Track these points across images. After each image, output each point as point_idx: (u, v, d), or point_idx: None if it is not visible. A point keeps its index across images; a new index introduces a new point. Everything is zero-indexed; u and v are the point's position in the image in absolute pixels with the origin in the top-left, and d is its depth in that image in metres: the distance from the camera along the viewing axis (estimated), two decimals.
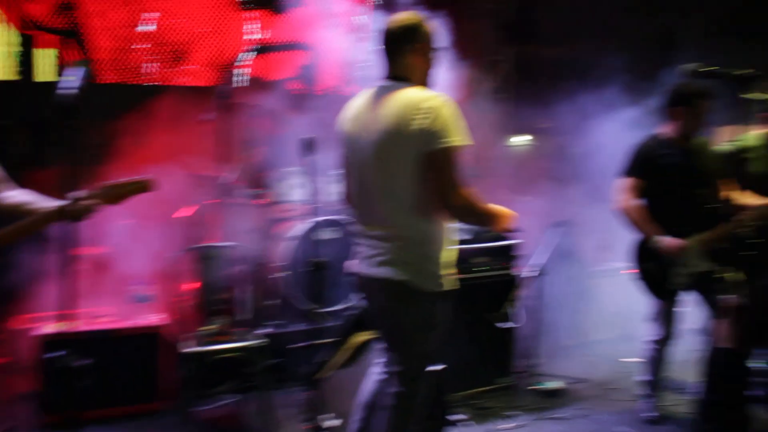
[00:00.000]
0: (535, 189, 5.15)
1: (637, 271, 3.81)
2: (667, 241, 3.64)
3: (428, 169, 2.41)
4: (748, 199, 3.74)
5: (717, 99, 3.62)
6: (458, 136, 2.39)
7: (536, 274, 4.34)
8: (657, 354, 3.92)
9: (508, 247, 4.35)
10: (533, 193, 5.12)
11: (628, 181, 3.74)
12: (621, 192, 3.74)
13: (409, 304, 2.51)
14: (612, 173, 3.86)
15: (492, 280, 4.25)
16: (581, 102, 5.22)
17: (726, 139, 3.99)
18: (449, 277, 2.62)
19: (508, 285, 4.31)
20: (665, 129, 3.78)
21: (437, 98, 2.41)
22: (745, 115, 3.51)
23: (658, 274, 3.76)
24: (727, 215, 3.62)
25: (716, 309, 3.66)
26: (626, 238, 3.94)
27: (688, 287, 3.76)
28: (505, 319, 4.22)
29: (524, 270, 4.34)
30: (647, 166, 3.69)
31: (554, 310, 4.94)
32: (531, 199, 5.01)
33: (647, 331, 3.93)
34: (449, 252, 2.59)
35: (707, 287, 3.66)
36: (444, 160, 2.36)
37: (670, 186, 3.69)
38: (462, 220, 2.47)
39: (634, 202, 3.70)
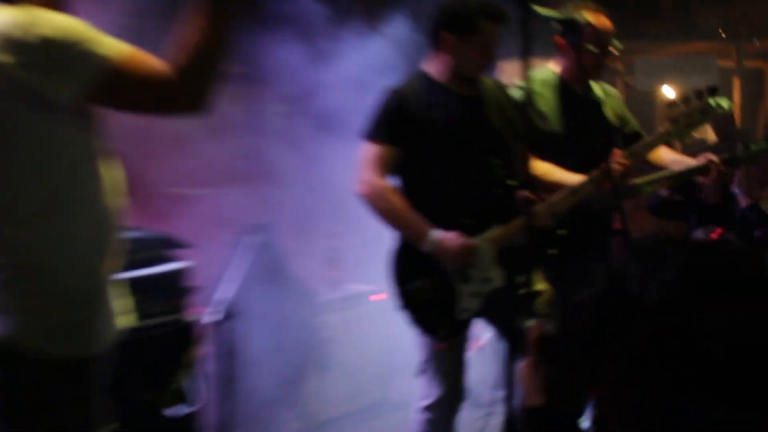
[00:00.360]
0: (215, 177, 5.15)
1: (400, 295, 3.67)
2: (448, 241, 3.50)
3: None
4: (550, 172, 3.80)
5: (507, 20, 3.57)
6: (106, 46, 2.15)
7: (223, 316, 4.05)
8: (435, 428, 3.74)
9: (173, 276, 4.14)
10: (214, 183, 5.12)
11: (374, 150, 3.59)
12: (364, 167, 3.60)
13: (12, 379, 2.25)
14: (346, 144, 3.90)
15: (150, 335, 3.97)
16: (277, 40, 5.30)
17: (513, 80, 4.01)
18: (102, 326, 2.38)
19: (178, 340, 4.07)
20: (432, 67, 3.65)
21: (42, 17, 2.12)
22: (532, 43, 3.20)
23: (434, 298, 3.58)
24: (525, 200, 3.48)
25: (522, 345, 3.10)
26: (378, 243, 3.88)
27: (481, 313, 3.69)
28: (177, 400, 4.00)
29: (204, 312, 4.15)
30: (404, 126, 3.56)
31: (259, 375, 4.79)
32: (209, 192, 5.04)
33: (419, 393, 3.76)
34: (99, 277, 2.35)
35: (507, 311, 3.52)
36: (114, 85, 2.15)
37: (444, 155, 3.57)
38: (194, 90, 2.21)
39: (386, 183, 3.58)
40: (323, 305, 5.31)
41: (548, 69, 4.02)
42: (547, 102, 3.96)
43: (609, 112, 4.12)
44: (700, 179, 3.96)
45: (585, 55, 3.91)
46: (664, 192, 5.79)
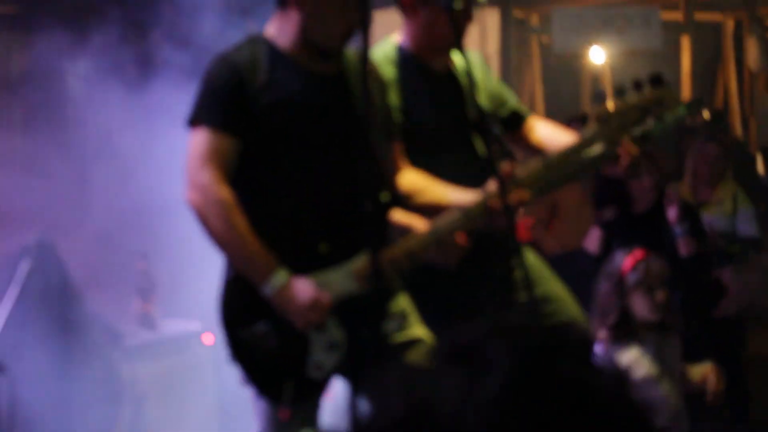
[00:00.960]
0: None
1: (231, 342, 3.61)
2: (296, 291, 3.44)
3: None
4: (424, 187, 3.76)
5: None
6: None
7: None
8: None
9: None
10: None
11: (206, 140, 3.49)
12: (196, 165, 3.48)
13: None
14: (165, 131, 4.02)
15: None
16: None
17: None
18: None
19: None
20: (274, 32, 3.61)
21: None
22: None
23: (278, 348, 3.55)
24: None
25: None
26: (208, 263, 3.84)
27: (340, 370, 3.63)
28: None
29: None
30: (242, 109, 3.51)
31: None
32: None
33: None
34: None
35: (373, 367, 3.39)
36: None
37: (293, 155, 3.55)
38: None
39: (225, 190, 3.46)
40: (133, 351, 5.31)
41: (388, 42, 3.93)
42: (391, 87, 3.83)
43: (480, 92, 3.96)
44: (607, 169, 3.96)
45: (440, 13, 3.75)
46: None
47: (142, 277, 5.43)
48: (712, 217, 6.54)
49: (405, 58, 3.89)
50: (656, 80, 3.63)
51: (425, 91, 3.92)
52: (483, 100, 3.93)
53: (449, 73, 3.98)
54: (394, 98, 3.82)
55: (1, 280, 4.76)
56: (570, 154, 3.69)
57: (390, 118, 3.75)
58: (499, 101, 4.09)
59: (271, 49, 3.55)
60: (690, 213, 6.09)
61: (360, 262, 3.49)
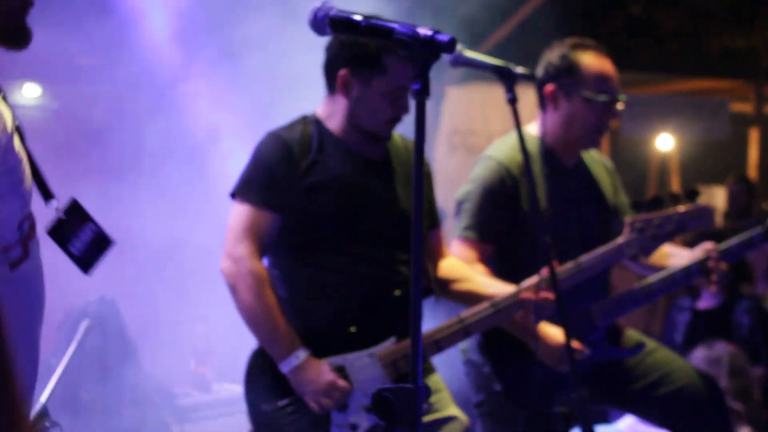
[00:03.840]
0: None
1: (254, 415, 3.60)
2: (314, 374, 3.45)
3: None
4: (469, 277, 3.74)
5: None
6: None
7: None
8: None
9: None
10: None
11: (246, 214, 3.58)
12: (232, 237, 3.57)
13: None
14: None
15: None
16: None
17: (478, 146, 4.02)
18: None
19: None
20: (325, 114, 3.67)
21: None
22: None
23: (298, 426, 3.52)
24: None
25: None
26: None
27: None
28: None
29: None
30: (287, 187, 3.59)
31: None
32: None
33: None
34: None
35: None
36: None
37: (331, 236, 3.58)
38: None
39: (258, 266, 3.54)
40: (185, 411, 5.24)
41: (527, 133, 3.88)
42: (539, 181, 3.87)
43: (608, 191, 4.09)
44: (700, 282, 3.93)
45: (585, 112, 3.88)
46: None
47: (200, 339, 5.36)
48: None
49: (542, 152, 3.93)
50: (692, 194, 3.72)
51: (557, 187, 3.94)
52: (610, 199, 4.06)
53: (583, 170, 4.06)
54: (524, 190, 3.84)
55: (64, 336, 4.71)
56: (607, 255, 3.73)
57: (434, 204, 3.72)
58: (619, 205, 4.15)
59: (321, 129, 3.58)
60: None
61: (386, 347, 3.48)
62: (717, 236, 4.57)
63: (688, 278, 3.89)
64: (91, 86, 6.03)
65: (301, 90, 4.48)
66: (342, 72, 3.50)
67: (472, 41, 7.96)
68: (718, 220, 10.83)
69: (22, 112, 7.00)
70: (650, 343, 4.07)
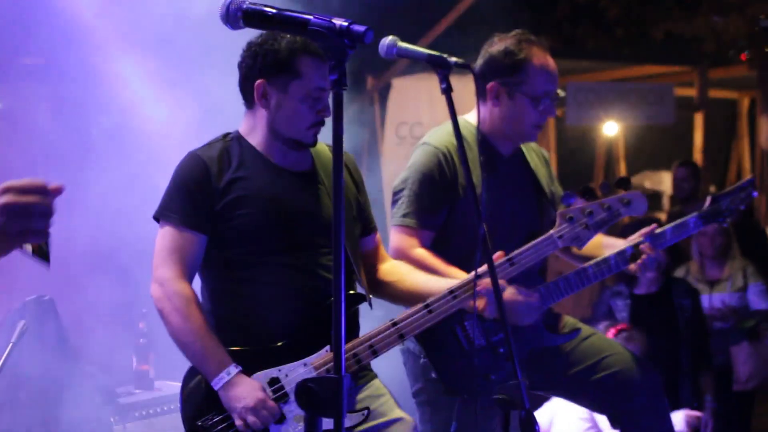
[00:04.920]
0: None
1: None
2: (244, 391, 3.41)
3: None
4: (409, 274, 3.73)
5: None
6: None
7: None
8: None
9: None
10: None
11: (171, 237, 3.55)
12: (158, 260, 3.57)
13: None
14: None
15: None
16: None
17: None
18: None
19: None
20: (245, 128, 3.65)
21: None
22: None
23: None
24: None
25: None
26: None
27: None
28: None
29: None
30: (208, 206, 3.57)
31: None
32: None
33: None
34: None
35: None
36: None
37: (256, 249, 3.55)
38: None
39: (184, 287, 3.52)
40: (127, 409, 5.17)
41: (465, 121, 3.93)
42: (474, 166, 3.78)
43: (543, 180, 4.10)
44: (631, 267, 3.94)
45: (527, 110, 3.89)
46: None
47: (141, 337, 5.32)
48: (724, 294, 6.52)
49: (478, 140, 3.90)
50: (622, 182, 3.72)
51: (493, 175, 3.91)
52: (545, 188, 4.06)
53: (519, 159, 4.05)
54: (462, 175, 3.83)
55: (2, 337, 4.66)
56: (541, 248, 3.71)
57: (368, 210, 3.68)
58: (553, 196, 4.16)
59: (243, 145, 3.55)
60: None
61: (320, 355, 3.44)
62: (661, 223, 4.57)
63: (622, 263, 3.88)
64: (34, 85, 5.97)
65: None
66: (258, 83, 3.45)
67: (419, 30, 7.94)
68: (665, 204, 10.91)
69: None
70: (586, 329, 4.07)
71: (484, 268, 3.31)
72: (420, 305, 3.50)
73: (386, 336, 3.48)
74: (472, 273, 3.44)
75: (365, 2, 5.04)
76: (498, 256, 3.55)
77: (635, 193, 3.71)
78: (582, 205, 3.67)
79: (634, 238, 3.91)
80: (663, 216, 9.10)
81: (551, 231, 3.67)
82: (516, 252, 3.64)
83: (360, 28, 2.15)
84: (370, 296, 3.58)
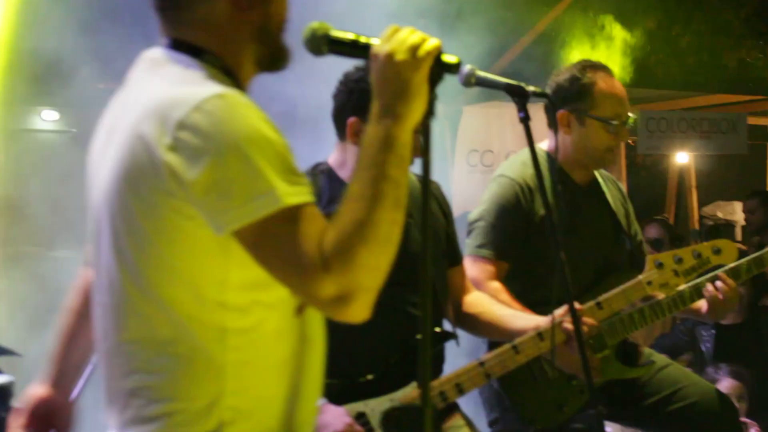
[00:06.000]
0: None
1: None
2: (330, 418, 3.31)
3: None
4: (492, 310, 3.68)
5: None
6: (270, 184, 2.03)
7: None
8: None
9: None
10: None
11: None
12: None
13: None
14: None
15: None
16: None
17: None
18: None
19: None
20: (335, 161, 3.58)
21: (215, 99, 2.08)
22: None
23: None
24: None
25: None
26: None
27: None
28: None
29: None
30: None
31: None
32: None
33: None
34: None
35: None
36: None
37: None
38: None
39: None
40: None
41: (539, 150, 3.82)
42: (537, 193, 3.83)
43: (620, 212, 4.07)
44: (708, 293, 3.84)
45: (598, 135, 3.88)
46: None
47: None
48: None
49: (553, 169, 3.91)
50: (713, 231, 3.64)
51: (568, 205, 3.90)
52: (621, 219, 4.03)
53: (594, 189, 4.04)
54: (538, 206, 3.84)
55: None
56: (629, 293, 3.69)
57: (455, 241, 3.63)
58: (628, 226, 4.12)
59: (333, 179, 3.46)
60: None
61: (406, 391, 3.40)
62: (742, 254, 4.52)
63: (697, 296, 3.84)
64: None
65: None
66: (351, 120, 3.39)
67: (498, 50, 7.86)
68: (738, 235, 10.77)
69: (42, 137, 7.05)
70: (661, 359, 4.03)
71: (565, 308, 3.28)
72: (507, 345, 3.48)
73: (473, 375, 3.45)
74: (557, 312, 3.38)
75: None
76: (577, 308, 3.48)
77: (726, 241, 3.70)
78: (672, 252, 3.66)
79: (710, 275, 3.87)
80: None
81: (639, 276, 3.67)
82: (604, 296, 3.64)
83: (450, 58, 2.14)
84: (457, 333, 3.56)
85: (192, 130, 2.03)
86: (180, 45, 2.24)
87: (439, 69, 2.13)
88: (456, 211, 4.18)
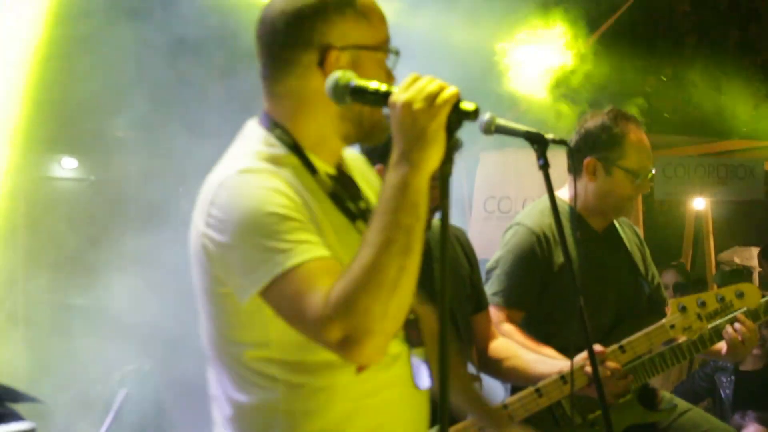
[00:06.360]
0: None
1: None
2: None
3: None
4: (517, 355, 3.73)
5: None
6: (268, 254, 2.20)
7: None
8: None
9: None
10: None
11: None
12: None
13: None
14: None
15: None
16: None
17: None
18: None
19: None
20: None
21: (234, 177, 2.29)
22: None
23: None
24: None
25: None
26: None
27: None
28: None
29: None
30: None
31: None
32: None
33: None
34: None
35: None
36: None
37: None
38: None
39: None
40: None
41: (558, 198, 3.78)
42: (558, 244, 3.83)
43: (638, 257, 4.07)
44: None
45: (623, 185, 3.89)
46: None
47: None
48: None
49: (572, 217, 3.94)
50: (736, 274, 3.63)
51: (587, 252, 3.89)
52: (639, 265, 4.02)
53: (613, 236, 4.05)
54: (557, 255, 3.84)
55: (102, 406, 4.71)
56: (653, 337, 3.69)
57: (480, 286, 3.67)
58: (646, 272, 4.12)
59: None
60: None
61: None
62: None
63: (717, 338, 3.83)
64: (126, 157, 6.10)
65: None
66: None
67: None
68: (756, 281, 10.73)
69: (61, 184, 7.11)
70: (682, 404, 4.01)
71: (584, 354, 3.28)
72: (531, 389, 3.49)
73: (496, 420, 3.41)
74: (578, 357, 3.39)
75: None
76: (598, 351, 3.50)
77: (749, 285, 3.70)
78: (695, 295, 3.66)
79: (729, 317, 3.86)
80: None
81: (663, 320, 3.67)
82: (627, 339, 3.64)
83: (469, 105, 2.15)
84: (480, 376, 3.55)
85: (217, 206, 2.24)
86: (265, 117, 2.40)
87: (458, 116, 2.14)
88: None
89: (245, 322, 2.28)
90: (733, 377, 6.02)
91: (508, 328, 3.80)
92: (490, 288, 3.89)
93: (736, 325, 3.76)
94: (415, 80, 2.13)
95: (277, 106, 2.41)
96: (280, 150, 2.35)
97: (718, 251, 10.80)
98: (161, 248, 5.26)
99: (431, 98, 2.09)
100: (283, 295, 2.16)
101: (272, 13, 2.37)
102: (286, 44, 2.35)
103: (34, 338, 5.81)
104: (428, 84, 2.13)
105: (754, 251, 10.67)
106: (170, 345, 5.22)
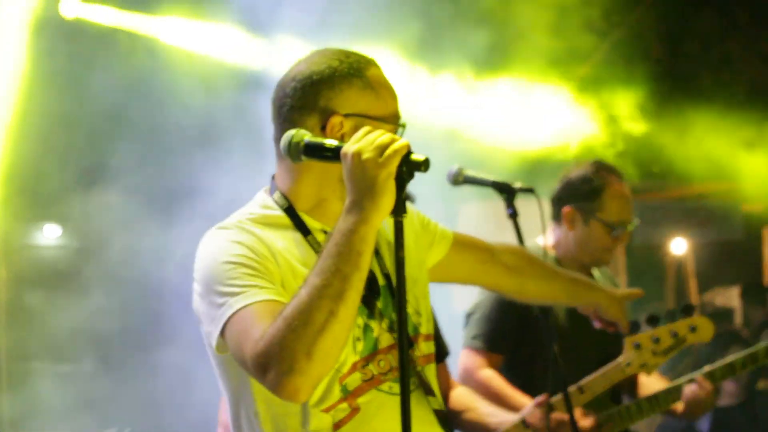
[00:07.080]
0: None
1: None
2: None
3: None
4: (474, 403, 3.75)
5: None
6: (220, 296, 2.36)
7: None
8: None
9: None
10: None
11: None
12: None
13: None
14: None
15: None
16: None
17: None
18: None
19: None
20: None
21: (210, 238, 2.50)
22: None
23: None
24: None
25: None
26: None
27: None
28: None
29: None
30: None
31: None
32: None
33: None
34: None
35: None
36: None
37: None
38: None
39: None
40: None
41: (535, 245, 3.94)
42: None
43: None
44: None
45: (601, 236, 3.94)
46: None
47: None
48: None
49: (555, 264, 3.89)
50: (687, 309, 3.70)
51: None
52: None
53: None
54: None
55: None
56: (610, 376, 3.71)
57: (441, 339, 3.66)
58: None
59: None
60: None
61: None
62: (736, 337, 4.51)
63: (677, 395, 3.89)
64: (109, 223, 6.11)
65: None
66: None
67: None
68: (737, 321, 10.78)
69: (44, 252, 7.11)
70: None
71: (545, 396, 3.40)
72: None
73: None
74: (538, 399, 3.46)
75: None
76: (541, 400, 3.57)
77: (702, 318, 3.73)
78: (649, 332, 3.70)
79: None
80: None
81: (619, 359, 3.69)
82: (585, 380, 3.67)
83: (419, 156, 2.19)
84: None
85: (196, 261, 2.43)
86: (271, 182, 2.54)
87: (408, 167, 2.18)
88: (457, 306, 4.20)
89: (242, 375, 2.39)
90: (709, 413, 6.06)
91: (488, 373, 3.83)
92: (470, 331, 3.92)
93: (694, 386, 3.82)
94: (367, 133, 2.20)
95: (280, 168, 2.53)
96: (274, 212, 2.47)
97: (701, 292, 10.85)
98: None
99: (381, 149, 2.15)
100: (232, 335, 2.26)
101: (286, 78, 2.50)
102: (293, 107, 2.46)
103: (18, 406, 5.81)
104: (379, 136, 2.19)
105: (735, 291, 10.74)
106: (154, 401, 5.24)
